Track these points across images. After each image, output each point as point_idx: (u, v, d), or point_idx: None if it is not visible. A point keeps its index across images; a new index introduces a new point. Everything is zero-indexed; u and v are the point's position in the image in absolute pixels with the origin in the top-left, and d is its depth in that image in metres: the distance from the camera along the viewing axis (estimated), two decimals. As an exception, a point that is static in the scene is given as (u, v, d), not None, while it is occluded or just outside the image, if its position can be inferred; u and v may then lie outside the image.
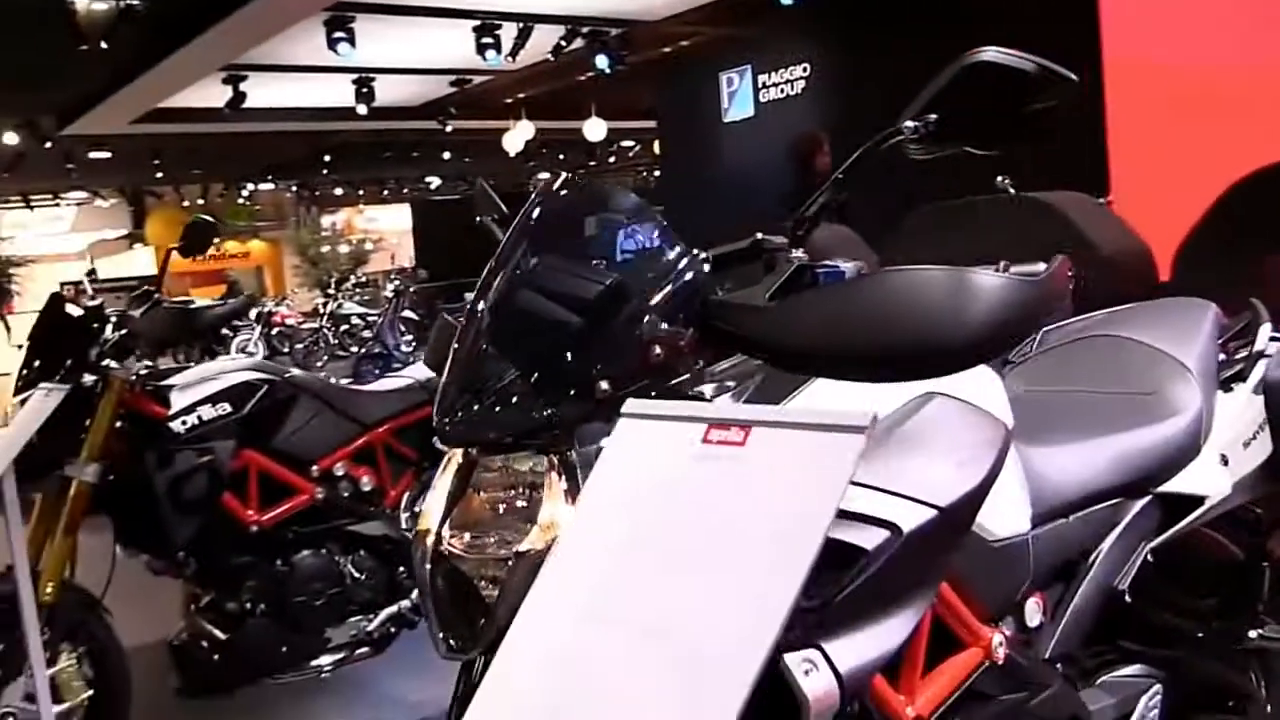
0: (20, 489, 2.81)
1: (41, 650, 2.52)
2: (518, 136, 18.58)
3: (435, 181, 24.96)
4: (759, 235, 1.40)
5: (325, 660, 3.28)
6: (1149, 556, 1.78)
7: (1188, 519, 1.83)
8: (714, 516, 1.05)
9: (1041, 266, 1.28)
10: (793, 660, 1.20)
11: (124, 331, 2.98)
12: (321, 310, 16.83)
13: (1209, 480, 1.84)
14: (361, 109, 12.95)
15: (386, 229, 26.26)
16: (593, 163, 24.09)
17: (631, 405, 1.23)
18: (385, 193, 25.44)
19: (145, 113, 13.22)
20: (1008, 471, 1.56)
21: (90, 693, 2.86)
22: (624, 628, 1.02)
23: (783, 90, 10.50)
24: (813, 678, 1.21)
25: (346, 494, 3.43)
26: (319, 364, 13.43)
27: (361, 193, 25.59)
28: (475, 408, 1.38)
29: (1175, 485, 1.81)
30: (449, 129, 17.03)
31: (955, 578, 1.45)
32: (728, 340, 1.33)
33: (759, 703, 1.23)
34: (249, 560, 3.23)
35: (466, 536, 1.41)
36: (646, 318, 1.31)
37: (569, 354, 1.33)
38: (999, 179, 4.18)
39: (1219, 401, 1.92)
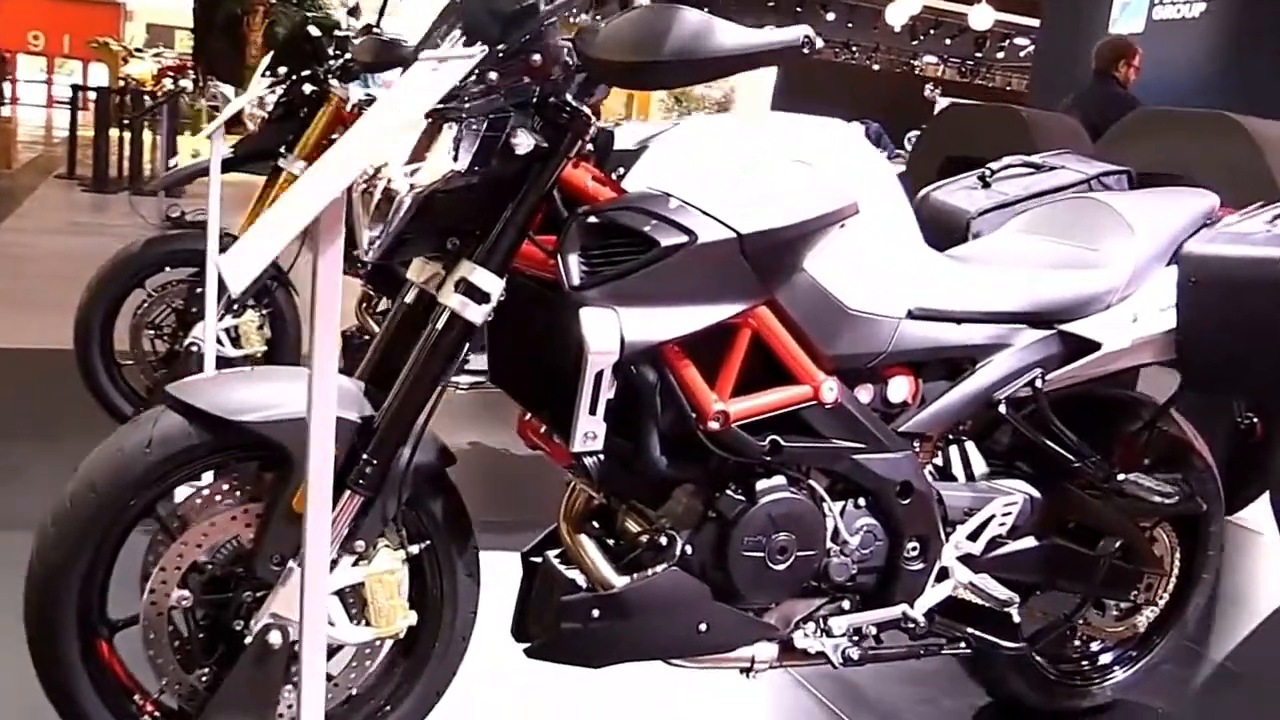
0: (245, 172, 3.48)
1: (216, 296, 3.10)
2: (901, 10, 18.20)
3: (817, 43, 24.71)
4: None
5: (463, 379, 3.74)
6: (1038, 383, 1.94)
7: (1084, 359, 1.96)
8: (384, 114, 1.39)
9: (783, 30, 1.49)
10: (587, 314, 1.55)
11: (347, 56, 3.48)
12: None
13: (1110, 331, 1.95)
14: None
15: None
16: (979, 54, 23.16)
17: (424, 54, 1.55)
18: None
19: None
20: (891, 261, 1.79)
21: (265, 348, 3.47)
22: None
23: (1179, 10, 9.76)
24: (597, 330, 1.55)
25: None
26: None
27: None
28: None
29: (1077, 327, 1.95)
30: (833, -13, 16.92)
31: (792, 322, 1.71)
32: (582, 58, 1.57)
33: (568, 345, 1.55)
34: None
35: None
36: (536, 30, 1.54)
37: (490, 42, 1.55)
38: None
39: (1167, 273, 2.01)
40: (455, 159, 1.54)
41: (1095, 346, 1.95)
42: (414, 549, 1.68)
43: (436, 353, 1.58)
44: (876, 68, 25.74)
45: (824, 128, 1.81)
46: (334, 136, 3.51)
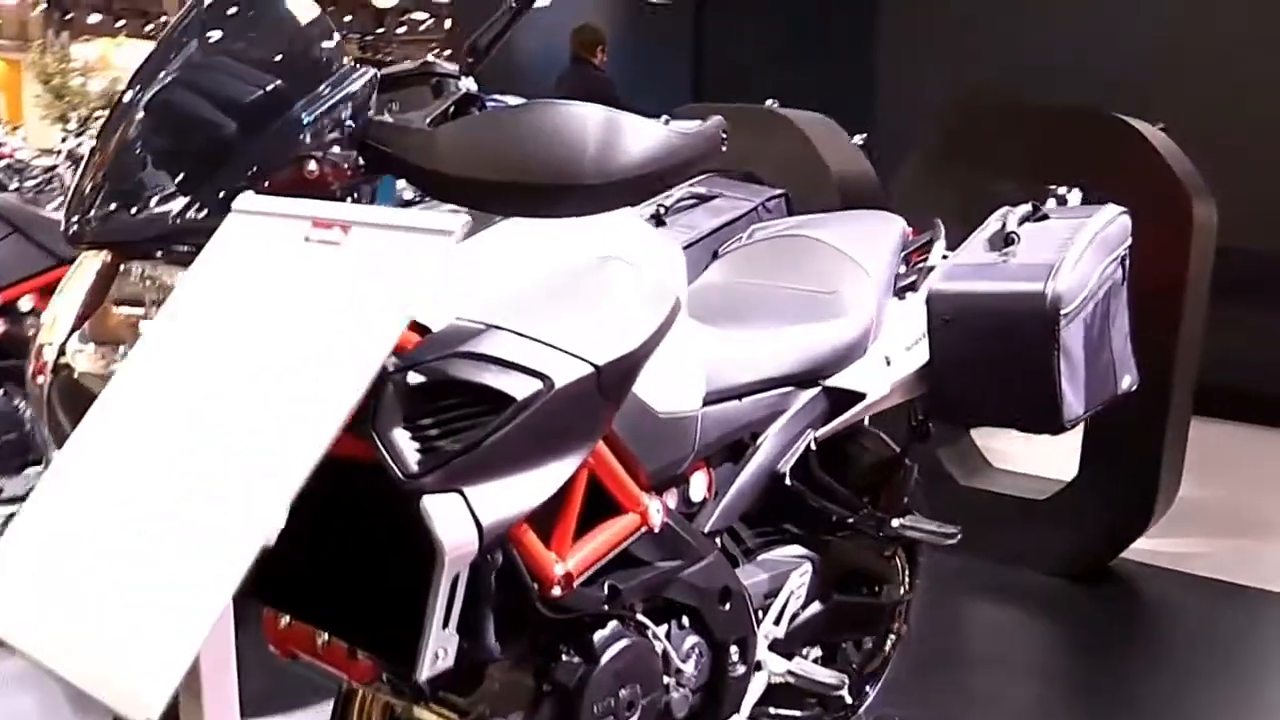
0: None
1: None
2: (301, -12, 17.62)
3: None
4: (429, 58, 1.33)
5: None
6: (813, 444, 1.84)
7: (849, 412, 1.90)
8: (300, 315, 1.02)
9: (697, 123, 1.28)
10: (432, 503, 1.17)
11: None
12: (60, 147, 15.54)
13: (871, 379, 1.91)
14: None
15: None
16: (380, 30, 23.13)
17: (244, 201, 1.15)
18: (150, 29, 23.51)
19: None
20: (681, 350, 1.57)
21: None
22: (174, 443, 0.98)
23: (578, -18, 10.23)
24: (450, 523, 1.18)
25: (31, 331, 3.13)
26: (51, 205, 12.41)
27: (122, 24, 23.56)
28: (113, 207, 1.28)
29: (841, 380, 1.88)
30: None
31: (617, 444, 1.45)
32: (387, 163, 1.25)
33: (401, 545, 1.19)
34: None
35: (93, 349, 1.32)
36: (304, 128, 1.23)
37: (219, 159, 1.25)
38: (768, 101, 4.23)
39: (893, 307, 2.00)
40: None
41: (860, 397, 1.88)
42: None
43: None
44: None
45: None
46: None
